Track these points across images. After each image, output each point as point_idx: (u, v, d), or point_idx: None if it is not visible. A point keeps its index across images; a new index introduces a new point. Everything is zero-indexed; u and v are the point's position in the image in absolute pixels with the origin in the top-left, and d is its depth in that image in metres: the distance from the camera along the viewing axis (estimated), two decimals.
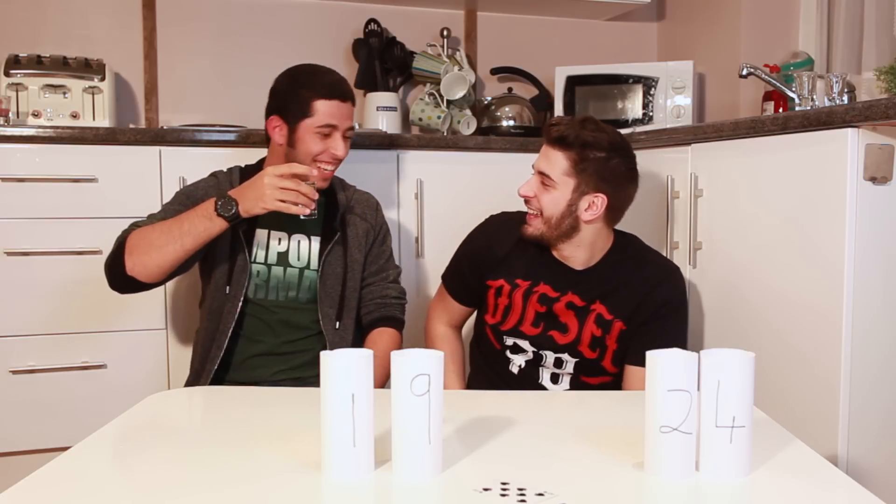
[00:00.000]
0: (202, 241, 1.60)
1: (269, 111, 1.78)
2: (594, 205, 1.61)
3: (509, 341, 1.72)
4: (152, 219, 1.70)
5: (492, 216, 1.82)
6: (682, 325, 1.71)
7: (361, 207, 1.87)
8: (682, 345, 1.69)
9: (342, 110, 1.73)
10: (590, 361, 1.68)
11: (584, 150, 1.59)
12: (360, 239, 1.83)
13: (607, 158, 1.60)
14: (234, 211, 1.58)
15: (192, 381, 1.80)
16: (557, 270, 1.68)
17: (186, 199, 1.76)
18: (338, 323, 1.78)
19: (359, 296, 1.84)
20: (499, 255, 1.72)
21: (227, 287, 1.74)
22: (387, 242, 1.91)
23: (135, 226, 1.68)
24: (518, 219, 1.73)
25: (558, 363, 1.69)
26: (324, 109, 1.71)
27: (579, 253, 1.67)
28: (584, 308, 1.67)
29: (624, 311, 1.66)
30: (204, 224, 1.59)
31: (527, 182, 1.67)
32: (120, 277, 1.63)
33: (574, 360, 1.68)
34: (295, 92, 1.73)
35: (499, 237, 1.74)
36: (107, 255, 1.66)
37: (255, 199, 1.58)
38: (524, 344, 1.70)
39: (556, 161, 1.60)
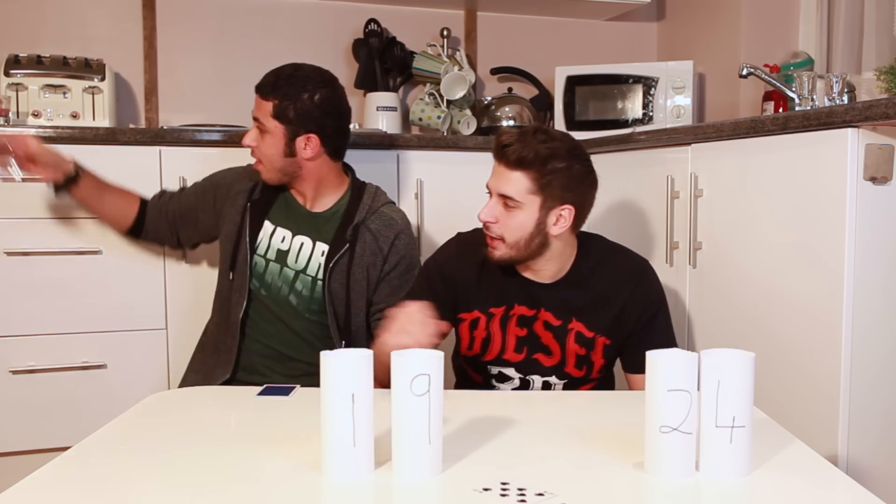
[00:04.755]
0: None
1: None
2: (562, 217, 1.52)
3: (494, 370, 1.64)
4: (181, 191, 1.94)
5: (448, 243, 1.71)
6: (668, 319, 1.64)
7: (378, 225, 1.78)
8: (672, 337, 1.64)
9: (256, 102, 1.74)
10: (577, 380, 1.63)
11: (545, 165, 1.48)
12: (364, 259, 1.76)
13: (569, 167, 1.50)
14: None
15: (198, 367, 1.80)
16: (528, 287, 1.60)
17: (205, 180, 1.91)
18: (343, 342, 1.76)
19: (366, 321, 1.79)
20: (468, 283, 1.62)
21: (231, 274, 1.76)
22: (411, 273, 1.80)
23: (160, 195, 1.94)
24: (477, 241, 1.62)
25: (546, 387, 1.63)
26: None
27: (549, 266, 1.58)
28: (562, 327, 1.59)
29: (604, 326, 1.58)
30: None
31: (487, 206, 1.53)
32: None
33: (562, 381, 1.62)
34: None
35: (459, 265, 1.63)
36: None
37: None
38: (509, 371, 1.63)
39: (518, 181, 1.49)
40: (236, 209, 1.79)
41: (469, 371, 1.69)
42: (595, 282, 1.59)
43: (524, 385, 1.63)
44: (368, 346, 1.77)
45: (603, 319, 1.58)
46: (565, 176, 1.50)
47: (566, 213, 1.52)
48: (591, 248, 1.63)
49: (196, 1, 2.66)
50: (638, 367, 1.60)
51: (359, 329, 1.78)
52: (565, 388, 1.63)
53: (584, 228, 1.63)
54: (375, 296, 1.79)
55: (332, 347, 1.76)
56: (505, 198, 1.51)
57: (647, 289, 1.60)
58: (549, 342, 1.60)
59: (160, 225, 1.91)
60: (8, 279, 1.97)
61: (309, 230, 1.78)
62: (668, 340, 1.62)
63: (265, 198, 1.80)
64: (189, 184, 2.00)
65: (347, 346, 1.77)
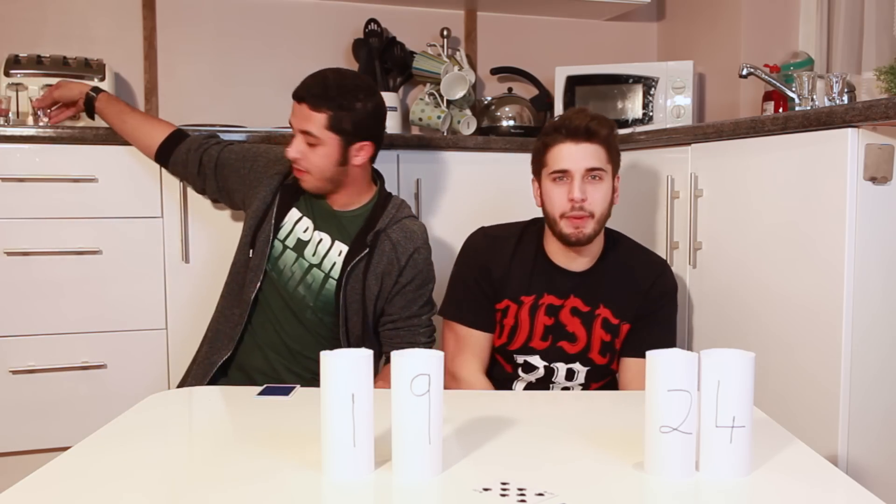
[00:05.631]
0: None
1: None
2: (618, 189, 1.63)
3: (520, 359, 1.69)
4: (229, 144, 1.93)
5: (473, 237, 1.75)
6: (674, 315, 1.72)
7: (399, 235, 1.77)
8: (674, 332, 1.71)
9: (295, 111, 1.69)
10: (600, 367, 1.67)
11: (613, 136, 1.59)
12: (381, 266, 1.75)
13: (616, 137, 1.61)
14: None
15: (202, 359, 1.80)
16: (558, 276, 1.66)
17: (251, 147, 1.91)
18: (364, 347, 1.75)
19: (374, 329, 1.81)
20: (497, 275, 1.67)
21: (251, 251, 1.76)
22: (426, 287, 1.81)
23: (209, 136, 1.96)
24: (505, 233, 1.70)
25: (570, 375, 1.67)
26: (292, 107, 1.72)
27: (595, 247, 1.65)
28: (589, 313, 1.66)
29: (628, 314, 1.66)
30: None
31: (574, 186, 1.57)
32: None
33: (585, 368, 1.67)
34: None
35: (491, 256, 1.68)
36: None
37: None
38: (534, 360, 1.68)
39: (599, 153, 1.57)
40: (270, 189, 1.80)
41: (499, 359, 1.73)
42: (622, 272, 1.67)
43: (549, 373, 1.66)
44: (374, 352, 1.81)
45: (627, 308, 1.66)
46: (617, 147, 1.62)
47: (618, 184, 1.64)
48: (615, 241, 1.72)
49: (196, 1, 2.66)
50: (631, 350, 1.64)
51: (365, 333, 1.78)
52: (588, 376, 1.66)
53: None
54: (389, 306, 1.79)
55: (331, 340, 1.77)
56: (592, 171, 1.58)
57: (665, 282, 1.70)
58: (576, 329, 1.66)
59: (191, 163, 1.90)
60: (8, 279, 1.97)
61: (330, 228, 1.78)
62: (669, 333, 1.69)
63: (297, 185, 1.79)
64: (187, 186, 2.01)
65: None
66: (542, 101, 2.83)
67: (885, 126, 1.44)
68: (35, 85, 2.22)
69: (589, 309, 1.65)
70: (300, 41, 2.76)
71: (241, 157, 1.89)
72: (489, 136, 2.49)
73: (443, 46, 2.77)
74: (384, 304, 1.79)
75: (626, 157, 2.18)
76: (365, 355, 0.95)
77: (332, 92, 1.66)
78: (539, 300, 1.66)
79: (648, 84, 2.59)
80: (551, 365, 1.67)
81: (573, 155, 1.57)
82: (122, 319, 2.05)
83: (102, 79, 2.30)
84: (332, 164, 1.70)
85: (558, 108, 2.66)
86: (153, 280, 2.07)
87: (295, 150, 1.70)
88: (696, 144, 1.87)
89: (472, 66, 2.88)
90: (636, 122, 2.60)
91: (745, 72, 2.27)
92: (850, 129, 1.44)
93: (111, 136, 2.02)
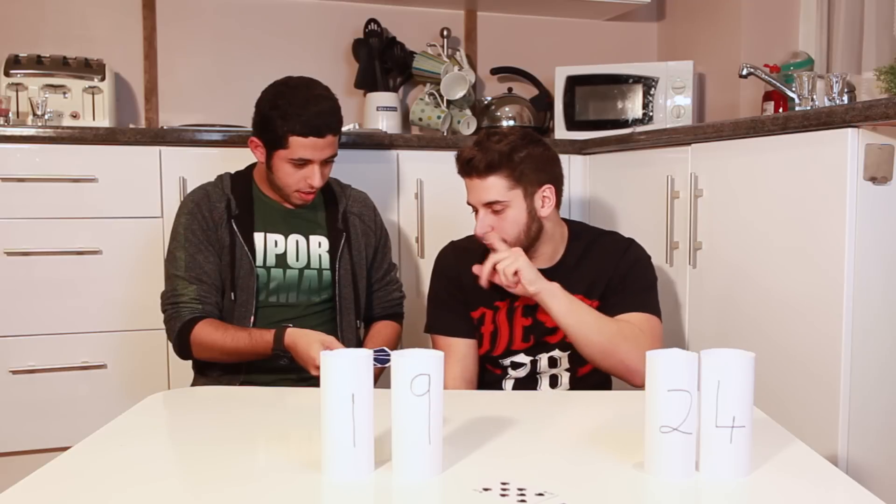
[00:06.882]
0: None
1: (253, 126, 1.76)
2: (546, 198, 1.63)
3: (506, 362, 1.71)
4: (178, 280, 1.72)
5: (442, 252, 1.79)
6: (652, 278, 1.69)
7: (359, 207, 1.89)
8: (653, 292, 1.67)
9: (318, 145, 1.68)
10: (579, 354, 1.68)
11: (511, 160, 1.58)
12: (359, 240, 1.86)
13: (530, 153, 1.60)
14: (285, 361, 1.67)
15: (220, 371, 1.77)
16: None
17: (193, 235, 1.72)
18: (360, 324, 1.85)
19: (367, 296, 1.89)
20: (469, 285, 1.67)
21: (233, 294, 1.73)
22: (387, 246, 1.95)
23: (176, 306, 1.71)
24: (472, 245, 1.72)
25: (552, 362, 1.69)
26: (299, 144, 1.67)
27: (545, 248, 1.67)
28: None
29: (598, 290, 1.66)
30: (259, 355, 1.66)
31: (479, 221, 1.61)
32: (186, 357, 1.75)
33: (566, 353, 1.68)
34: (273, 121, 1.68)
35: (461, 267, 1.69)
36: (166, 318, 1.76)
37: (302, 363, 1.59)
38: (519, 357, 1.70)
39: (494, 185, 1.58)
40: (224, 231, 1.74)
41: (487, 366, 1.73)
42: (590, 259, 1.69)
43: (533, 368, 1.70)
44: (363, 322, 1.89)
45: (597, 285, 1.66)
46: (532, 161, 1.60)
47: (548, 192, 1.63)
48: (580, 231, 1.74)
49: (196, 1, 2.66)
50: (614, 311, 1.63)
51: (357, 303, 1.84)
52: (571, 360, 1.68)
53: (581, 220, 1.70)
54: (375, 270, 1.90)
55: (334, 330, 1.78)
56: (490, 205, 1.60)
57: (633, 253, 1.70)
58: (554, 323, 1.63)
59: (216, 288, 1.74)
60: (8, 279, 1.97)
61: (298, 227, 1.80)
62: (647, 290, 1.66)
63: (244, 209, 1.76)
64: (187, 186, 2.00)
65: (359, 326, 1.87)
66: (542, 101, 2.83)
67: (885, 126, 1.44)
68: (35, 85, 2.22)
69: None
70: (300, 41, 2.76)
71: (205, 243, 1.73)
72: None
73: (443, 46, 2.77)
74: (369, 267, 1.88)
75: (627, 157, 2.18)
76: (365, 355, 0.95)
77: None
78: (514, 302, 1.67)
79: (648, 84, 2.59)
80: (535, 357, 1.69)
81: (472, 191, 1.62)
82: (122, 319, 2.06)
83: (102, 79, 2.30)
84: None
85: (558, 108, 2.66)
86: (153, 280, 2.06)
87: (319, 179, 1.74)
88: (696, 144, 1.87)
89: (472, 66, 2.88)
90: (636, 122, 2.60)
91: (745, 72, 2.27)
92: (850, 129, 1.44)
93: (111, 136, 2.03)
